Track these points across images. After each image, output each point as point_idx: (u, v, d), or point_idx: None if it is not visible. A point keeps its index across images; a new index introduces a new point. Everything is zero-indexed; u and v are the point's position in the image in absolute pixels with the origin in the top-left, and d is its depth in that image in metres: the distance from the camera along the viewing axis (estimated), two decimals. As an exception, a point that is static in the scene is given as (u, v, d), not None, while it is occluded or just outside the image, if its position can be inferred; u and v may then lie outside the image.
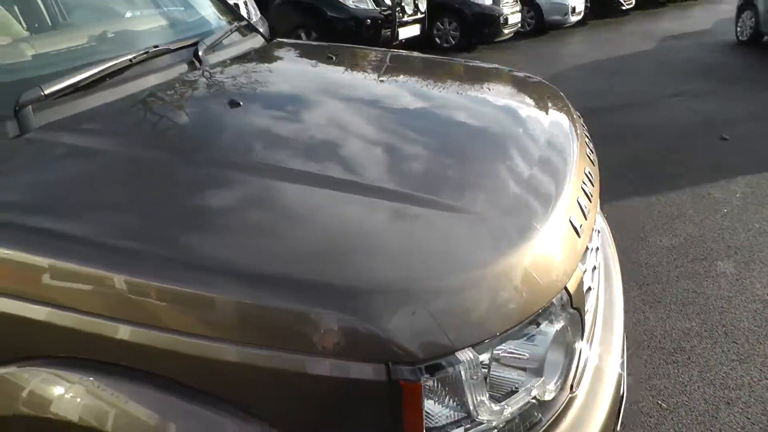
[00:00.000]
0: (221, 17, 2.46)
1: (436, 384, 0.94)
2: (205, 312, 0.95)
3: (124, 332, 0.98)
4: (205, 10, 2.55)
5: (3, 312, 1.05)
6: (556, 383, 1.15)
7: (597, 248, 1.53)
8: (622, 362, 1.51)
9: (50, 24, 2.53)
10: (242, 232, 1.05)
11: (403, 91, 1.87)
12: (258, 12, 7.17)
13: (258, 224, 1.08)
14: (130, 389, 0.99)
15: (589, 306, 1.31)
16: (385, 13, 7.80)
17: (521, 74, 2.15)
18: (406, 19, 8.03)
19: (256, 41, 2.42)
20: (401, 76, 2.09)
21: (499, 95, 1.93)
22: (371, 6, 7.81)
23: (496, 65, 2.26)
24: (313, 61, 2.22)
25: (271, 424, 0.95)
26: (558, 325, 1.10)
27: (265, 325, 0.93)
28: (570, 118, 1.74)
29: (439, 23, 9.49)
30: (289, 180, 1.18)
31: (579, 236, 1.20)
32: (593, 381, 1.29)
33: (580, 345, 1.21)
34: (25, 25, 2.38)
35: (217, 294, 0.94)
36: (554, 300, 1.07)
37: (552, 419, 1.14)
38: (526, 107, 1.78)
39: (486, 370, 1.01)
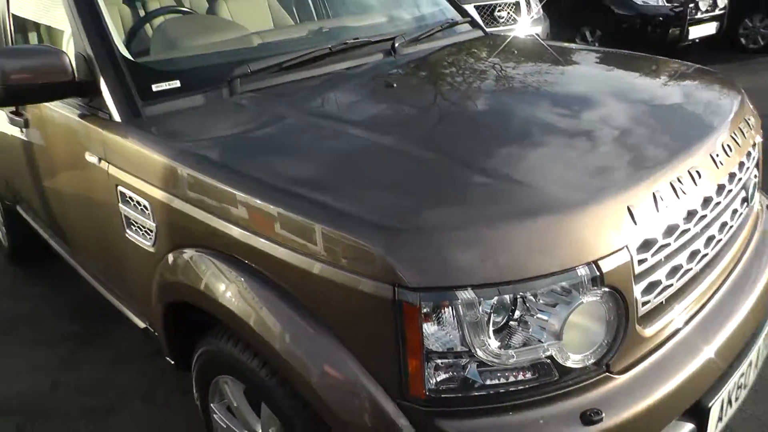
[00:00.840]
0: (449, 14, 2.77)
1: (434, 312, 1.14)
2: (269, 218, 1.30)
3: (255, 241, 1.38)
4: (432, 7, 2.87)
5: (193, 216, 1.53)
6: (587, 353, 1.25)
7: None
8: (726, 376, 1.48)
9: (316, 18, 3.10)
10: (329, 177, 1.38)
11: (555, 82, 1.99)
12: (540, 8, 7.31)
13: (332, 166, 1.44)
14: (231, 268, 1.41)
15: (662, 295, 1.34)
16: (676, 9, 7.32)
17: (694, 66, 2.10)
18: (700, 16, 7.42)
19: (468, 35, 2.68)
20: (580, 70, 2.18)
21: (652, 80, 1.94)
22: (661, 2, 7.39)
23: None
24: (494, 56, 2.41)
25: (318, 315, 1.26)
26: (586, 297, 1.20)
27: (315, 239, 1.23)
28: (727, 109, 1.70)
29: (747, 20, 8.53)
30: (377, 140, 1.50)
31: (635, 223, 1.26)
32: (653, 374, 1.32)
33: (624, 328, 1.27)
34: (297, 19, 2.99)
35: (288, 210, 1.27)
36: (579, 270, 1.18)
37: (574, 388, 1.24)
38: (673, 91, 1.79)
39: (496, 316, 1.17)
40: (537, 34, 6.69)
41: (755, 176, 1.80)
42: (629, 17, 7.52)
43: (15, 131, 2.71)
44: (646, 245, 1.28)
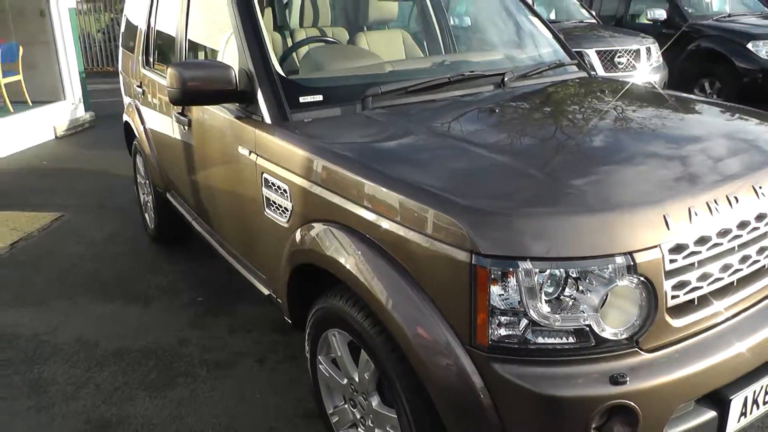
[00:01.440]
0: (559, 56, 3.14)
1: (500, 277, 1.51)
2: (383, 200, 1.72)
3: (372, 217, 1.80)
4: (546, 49, 3.25)
5: (323, 198, 1.98)
6: (620, 329, 1.57)
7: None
8: (754, 377, 1.73)
9: (443, 52, 3.55)
10: (427, 169, 1.80)
11: (620, 117, 2.31)
12: (659, 56, 7.46)
13: (439, 166, 1.85)
14: (350, 238, 1.83)
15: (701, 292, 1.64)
16: (800, 66, 7.25)
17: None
18: (824, 74, 7.30)
19: (572, 75, 3.03)
20: (659, 109, 2.48)
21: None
22: (784, 58, 7.34)
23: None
24: (588, 93, 2.74)
25: (409, 273, 1.65)
26: (621, 282, 1.53)
27: (419, 217, 1.63)
28: None
29: None
30: (474, 149, 1.90)
31: (668, 228, 1.57)
32: (677, 357, 1.61)
33: (653, 314, 1.58)
34: (427, 51, 3.46)
35: (397, 194, 1.68)
36: (617, 258, 1.51)
37: (607, 355, 1.56)
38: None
39: (549, 286, 1.51)
40: (654, 82, 6.87)
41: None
42: (751, 71, 7.49)
43: (177, 129, 3.32)
44: (678, 249, 1.58)
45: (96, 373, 2.99)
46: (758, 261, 1.81)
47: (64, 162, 7.16)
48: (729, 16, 8.52)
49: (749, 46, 7.45)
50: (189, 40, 3.26)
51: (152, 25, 3.94)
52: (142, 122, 4.15)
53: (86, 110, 9.26)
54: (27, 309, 3.65)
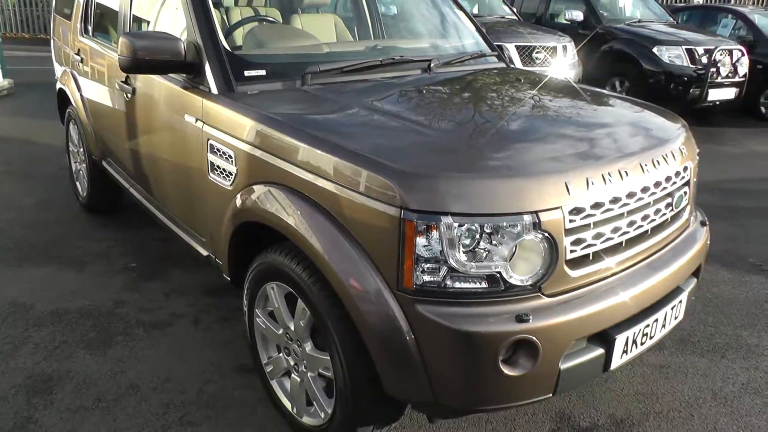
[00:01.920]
0: (480, 47, 3.43)
1: (424, 230, 1.76)
2: (321, 163, 1.95)
3: (310, 177, 2.01)
4: (469, 40, 3.54)
5: (266, 161, 2.18)
6: (525, 277, 1.86)
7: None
8: (634, 322, 2.06)
9: (372, 37, 3.78)
10: (362, 137, 2.04)
11: (527, 99, 2.63)
12: (575, 54, 7.95)
13: (372, 135, 2.08)
14: (290, 197, 2.04)
15: (586, 244, 1.94)
16: (699, 71, 7.90)
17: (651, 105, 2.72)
18: (720, 80, 7.99)
19: (492, 65, 3.33)
20: (563, 95, 2.80)
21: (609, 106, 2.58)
22: (686, 63, 7.97)
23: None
24: (503, 80, 3.04)
25: (345, 227, 1.89)
26: (528, 236, 1.81)
27: (355, 178, 1.86)
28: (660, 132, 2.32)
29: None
30: (403, 122, 2.15)
31: (569, 193, 1.87)
32: (572, 302, 1.92)
33: (554, 265, 1.87)
34: (357, 36, 3.67)
35: (334, 156, 1.91)
36: (525, 216, 1.79)
37: (514, 298, 1.84)
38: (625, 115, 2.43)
39: (466, 238, 1.78)
40: (569, 78, 7.34)
41: (685, 192, 2.39)
42: (655, 73, 8.11)
43: (119, 97, 3.41)
44: (576, 211, 1.89)
45: (34, 332, 3.08)
46: (642, 226, 2.14)
47: (-18, 129, 6.96)
48: (639, 21, 9.16)
49: (654, 50, 8.07)
50: (134, 11, 3.34)
51: (91, -6, 3.98)
52: (79, 90, 4.18)
53: (4, 77, 8.95)
54: (-45, 271, 3.65)
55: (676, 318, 2.34)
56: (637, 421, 2.58)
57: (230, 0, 3.45)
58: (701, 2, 16.56)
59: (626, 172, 2.05)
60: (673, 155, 2.29)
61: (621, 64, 8.52)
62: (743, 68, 8.14)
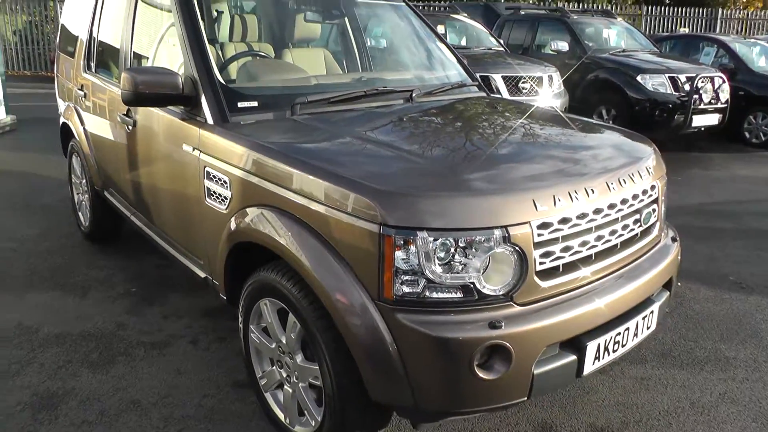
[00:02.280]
0: (462, 78, 3.63)
1: (402, 243, 1.92)
2: (309, 186, 2.10)
3: (299, 199, 2.17)
4: (451, 71, 3.74)
5: (258, 185, 2.34)
6: (498, 287, 2.01)
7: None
8: (606, 330, 2.21)
9: (360, 70, 3.98)
10: (346, 162, 2.20)
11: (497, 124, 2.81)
12: (560, 84, 8.19)
13: (356, 160, 2.24)
14: (281, 218, 2.19)
15: (556, 256, 2.10)
16: (682, 98, 8.13)
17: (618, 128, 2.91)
18: (703, 107, 8.22)
19: (472, 94, 3.52)
20: (536, 123, 2.98)
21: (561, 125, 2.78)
22: (669, 90, 8.21)
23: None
24: (483, 108, 3.23)
25: (331, 244, 2.04)
26: (498, 249, 1.97)
27: (339, 199, 2.03)
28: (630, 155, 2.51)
29: (752, 116, 9.33)
30: (384, 147, 2.31)
31: (536, 209, 2.03)
32: (543, 311, 2.07)
33: (524, 276, 2.03)
34: (345, 69, 3.87)
35: (321, 180, 2.07)
36: (495, 231, 1.95)
37: (487, 306, 1.99)
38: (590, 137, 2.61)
39: (441, 251, 1.93)
40: (555, 107, 7.56)
41: (653, 209, 2.55)
42: (640, 101, 8.33)
43: (120, 130, 3.59)
44: (544, 226, 2.05)
45: (39, 353, 3.21)
46: (610, 240, 2.30)
47: (-14, 164, 7.14)
48: (623, 51, 9.42)
49: (638, 78, 8.31)
50: (134, 48, 3.55)
51: (94, 33, 4.19)
52: (82, 123, 4.37)
53: (7, 113, 9.17)
54: (-39, 298, 3.79)
55: (648, 328, 2.48)
56: (616, 429, 2.71)
57: (225, 36, 3.64)
58: (686, 32, 17.03)
59: (593, 190, 2.21)
60: (640, 175, 2.45)
61: (606, 93, 8.76)
62: (725, 94, 8.37)
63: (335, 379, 2.12)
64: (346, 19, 3.99)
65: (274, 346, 2.48)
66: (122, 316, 3.60)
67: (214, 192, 2.64)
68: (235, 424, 2.66)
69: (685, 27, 19.13)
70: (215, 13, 3.54)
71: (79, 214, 4.88)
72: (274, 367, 2.53)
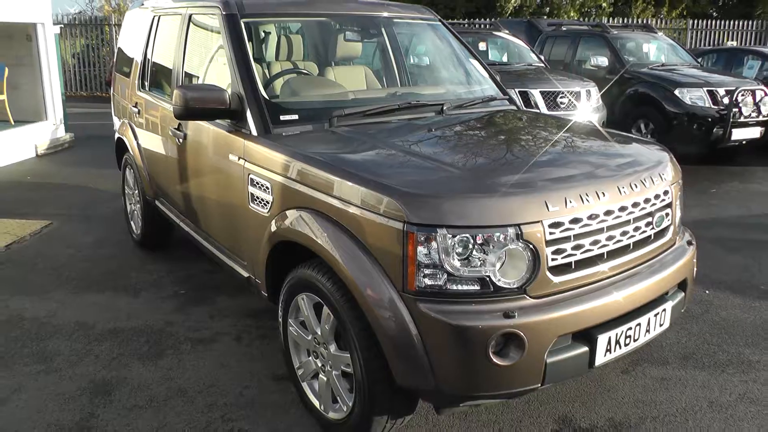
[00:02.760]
0: (493, 92, 3.83)
1: (423, 239, 2.12)
2: (343, 190, 2.32)
3: (334, 202, 2.40)
4: (482, 86, 3.94)
5: (297, 190, 2.58)
6: (512, 280, 2.19)
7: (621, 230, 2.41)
8: (617, 324, 2.36)
9: (398, 85, 4.20)
10: (377, 168, 2.41)
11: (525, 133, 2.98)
12: (599, 98, 8.29)
13: (386, 166, 2.46)
14: (317, 219, 2.41)
15: (568, 254, 2.26)
16: (721, 112, 8.13)
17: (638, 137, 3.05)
18: (743, 119, 8.19)
19: (502, 107, 3.71)
20: (563, 131, 3.15)
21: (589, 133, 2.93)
22: (708, 104, 8.21)
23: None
24: (511, 121, 3.41)
25: (362, 242, 2.25)
26: (512, 246, 2.16)
27: (368, 201, 2.24)
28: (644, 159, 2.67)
29: (796, 130, 9.21)
30: (411, 155, 2.52)
31: (548, 210, 2.21)
32: (554, 304, 2.24)
33: (537, 271, 2.20)
34: (385, 84, 4.10)
35: (353, 184, 2.29)
36: (509, 229, 2.14)
37: (502, 298, 2.17)
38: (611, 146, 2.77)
39: (459, 247, 2.12)
40: (593, 122, 7.66)
41: (667, 213, 2.69)
42: (678, 115, 8.35)
43: (171, 143, 3.89)
44: (556, 225, 2.22)
45: (95, 346, 3.50)
46: (621, 240, 2.45)
47: (47, 177, 7.61)
48: (663, 65, 9.46)
49: (676, 92, 8.34)
50: (185, 67, 3.85)
51: (148, 54, 4.53)
52: (135, 138, 4.70)
53: (66, 131, 9.71)
54: (28, 298, 4.13)
55: (661, 325, 2.61)
56: (634, 424, 2.83)
57: (272, 55, 3.92)
58: (734, 45, 16.81)
59: (603, 193, 2.37)
60: (652, 180, 2.60)
61: (645, 107, 8.80)
62: (766, 107, 8.32)
63: (365, 365, 2.32)
64: (386, 38, 4.23)
65: (310, 337, 2.69)
66: (170, 314, 3.88)
67: (257, 197, 2.89)
68: (274, 412, 2.88)
69: (732, 40, 18.85)
70: (263, 34, 3.83)
71: (131, 222, 5.22)
72: (310, 358, 2.75)
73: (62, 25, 14.31)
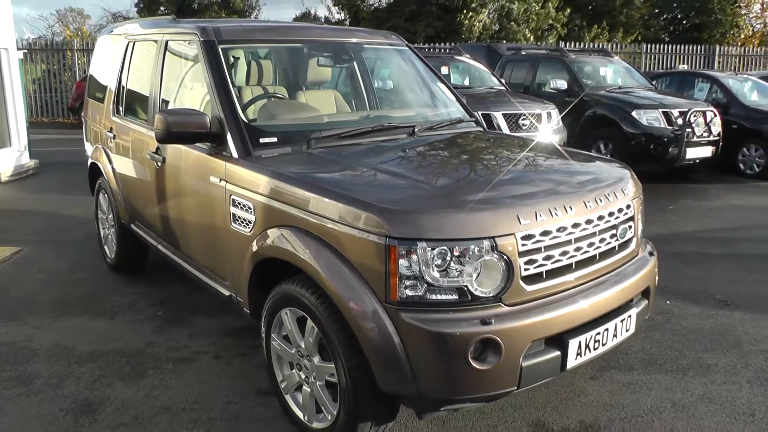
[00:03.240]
0: (460, 114, 4.01)
1: (405, 252, 2.25)
2: (325, 208, 2.44)
3: (315, 218, 2.52)
4: (449, 108, 4.11)
5: (278, 208, 2.69)
6: (488, 290, 2.33)
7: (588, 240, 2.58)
8: (586, 329, 2.52)
9: (368, 108, 4.35)
10: (356, 187, 2.55)
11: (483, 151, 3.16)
12: (559, 120, 8.59)
13: (364, 185, 2.60)
14: (299, 236, 2.52)
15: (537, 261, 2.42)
16: (676, 132, 8.50)
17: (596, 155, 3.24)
18: (696, 139, 8.58)
19: (469, 129, 3.88)
20: (521, 150, 3.33)
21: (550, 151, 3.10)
22: (663, 125, 8.58)
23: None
24: (476, 141, 3.59)
25: (344, 256, 2.37)
26: (487, 257, 2.30)
27: (351, 217, 2.37)
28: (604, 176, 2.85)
29: (745, 149, 9.68)
30: (388, 174, 2.66)
31: (520, 223, 2.36)
32: (528, 311, 2.39)
33: (511, 281, 2.35)
34: (354, 108, 4.24)
35: (335, 201, 2.42)
36: (484, 241, 2.28)
37: (479, 306, 2.32)
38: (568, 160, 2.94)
39: (438, 259, 2.26)
40: (553, 141, 7.93)
41: (630, 226, 2.87)
42: (636, 135, 8.70)
43: (149, 166, 3.96)
44: (528, 237, 2.38)
45: (75, 368, 3.52)
46: (588, 251, 2.62)
47: (13, 204, 7.54)
48: (620, 88, 9.85)
49: (633, 113, 8.70)
50: (163, 93, 3.94)
51: (123, 80, 4.61)
52: (110, 162, 4.75)
53: (30, 158, 9.63)
54: (1, 324, 4.12)
55: (627, 330, 2.78)
56: (604, 425, 2.98)
57: (242, 80, 4.04)
58: (685, 69, 17.51)
59: (571, 207, 2.55)
60: (615, 195, 2.79)
61: (604, 128, 9.15)
62: (716, 128, 8.73)
63: (349, 374, 2.43)
64: (355, 63, 4.39)
65: (293, 351, 2.79)
66: (150, 336, 3.92)
67: (239, 217, 2.99)
68: (258, 425, 2.96)
69: (683, 64, 19.62)
70: (232, 59, 3.95)
71: (105, 247, 5.24)
72: (293, 371, 2.84)
73: (25, 51, 14.17)
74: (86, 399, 3.20)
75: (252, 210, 2.89)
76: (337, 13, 24.21)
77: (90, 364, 3.57)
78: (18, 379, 3.41)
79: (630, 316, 2.77)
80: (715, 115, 8.80)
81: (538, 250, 2.42)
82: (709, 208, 7.71)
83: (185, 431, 2.92)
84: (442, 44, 18.45)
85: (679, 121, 8.53)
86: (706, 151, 8.79)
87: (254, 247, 2.86)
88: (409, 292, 2.28)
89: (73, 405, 3.14)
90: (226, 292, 3.30)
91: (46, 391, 3.28)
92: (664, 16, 26.97)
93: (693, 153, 8.66)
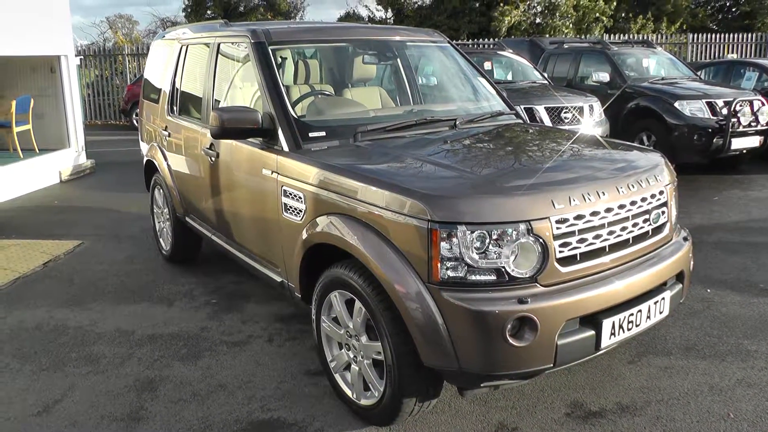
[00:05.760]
0: (500, 107, 4.13)
1: (446, 235, 2.40)
2: (372, 196, 2.61)
3: (363, 206, 2.69)
4: (491, 102, 4.24)
5: (327, 197, 2.87)
6: (525, 271, 2.47)
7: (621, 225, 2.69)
8: (619, 310, 2.63)
9: (411, 103, 4.50)
10: (401, 175, 2.70)
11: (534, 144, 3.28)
12: (602, 113, 8.59)
13: (408, 174, 2.75)
14: (348, 223, 2.70)
15: (573, 246, 2.54)
16: (720, 122, 8.41)
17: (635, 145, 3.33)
18: (742, 129, 8.46)
19: (509, 121, 4.00)
20: (563, 140, 3.44)
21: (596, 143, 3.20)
22: (707, 115, 8.49)
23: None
24: (517, 132, 3.71)
25: (389, 240, 2.54)
26: (524, 240, 2.44)
27: (396, 204, 2.53)
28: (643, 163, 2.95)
29: (796, 138, 9.47)
30: (430, 163, 2.81)
31: (554, 207, 2.49)
32: (563, 291, 2.52)
33: (546, 262, 2.48)
34: (398, 103, 4.40)
35: (381, 189, 2.59)
36: (520, 225, 2.42)
37: (516, 286, 2.45)
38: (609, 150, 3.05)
39: (477, 241, 2.41)
40: (594, 133, 7.94)
41: (663, 211, 2.96)
42: (679, 126, 8.62)
43: (203, 161, 4.20)
44: (562, 221, 2.50)
45: (137, 350, 3.78)
46: (621, 235, 2.73)
47: (73, 201, 7.95)
48: (663, 79, 9.76)
49: (676, 104, 8.63)
50: (216, 92, 4.18)
51: (176, 83, 4.87)
52: (165, 159, 5.02)
53: (86, 158, 10.08)
54: (69, 309, 4.42)
55: (661, 312, 2.87)
56: (640, 406, 3.08)
57: (290, 79, 4.24)
58: (734, 58, 17.11)
59: (603, 193, 2.66)
60: (648, 181, 2.88)
61: (646, 120, 9.09)
62: (764, 117, 8.59)
63: (395, 350, 2.59)
64: (399, 60, 4.55)
65: (342, 331, 2.97)
66: (205, 321, 4.16)
67: (290, 207, 3.18)
68: (309, 402, 3.15)
69: (733, 53, 19.13)
70: (280, 59, 4.15)
71: (161, 240, 5.52)
72: (342, 350, 3.02)
73: (82, 57, 14.77)
74: (147, 377, 3.44)
75: (302, 200, 3.08)
76: (378, 11, 24.44)
77: (149, 346, 3.82)
78: (86, 359, 3.68)
79: (663, 298, 2.86)
80: (763, 104, 8.65)
81: (572, 234, 2.54)
82: (755, 198, 7.61)
83: (241, 406, 3.12)
84: (486, 40, 18.45)
85: (724, 111, 8.42)
86: (754, 141, 8.65)
87: (304, 235, 3.05)
88: (450, 273, 2.43)
89: (135, 382, 3.39)
90: (278, 278, 3.50)
91: (111, 369, 3.54)
92: (712, 4, 26.32)
93: (739, 143, 8.53)
